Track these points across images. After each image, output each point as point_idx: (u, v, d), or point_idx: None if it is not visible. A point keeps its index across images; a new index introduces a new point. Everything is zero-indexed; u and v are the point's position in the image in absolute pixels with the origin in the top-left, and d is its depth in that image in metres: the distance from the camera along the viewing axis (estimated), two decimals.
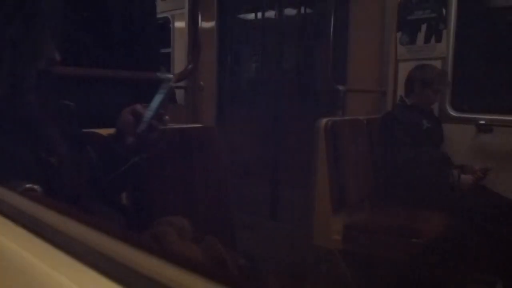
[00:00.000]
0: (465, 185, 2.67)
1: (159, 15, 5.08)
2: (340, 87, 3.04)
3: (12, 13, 1.06)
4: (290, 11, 4.25)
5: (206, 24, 4.20)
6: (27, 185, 0.80)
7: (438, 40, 3.19)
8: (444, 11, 3.16)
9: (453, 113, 3.14)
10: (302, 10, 4.19)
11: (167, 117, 1.31)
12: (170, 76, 1.93)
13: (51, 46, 1.13)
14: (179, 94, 4.60)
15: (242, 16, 4.70)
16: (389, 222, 2.57)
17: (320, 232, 2.65)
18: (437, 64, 3.09)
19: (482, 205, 2.60)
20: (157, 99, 1.28)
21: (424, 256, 2.30)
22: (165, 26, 4.96)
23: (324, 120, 2.64)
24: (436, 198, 2.64)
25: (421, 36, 3.26)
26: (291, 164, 4.02)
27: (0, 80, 1.04)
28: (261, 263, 1.44)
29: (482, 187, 2.76)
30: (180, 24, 4.90)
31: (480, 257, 2.33)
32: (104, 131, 1.50)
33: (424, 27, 3.24)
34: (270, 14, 4.33)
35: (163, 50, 5.24)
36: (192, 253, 1.20)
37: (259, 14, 4.44)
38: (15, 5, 1.07)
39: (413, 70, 2.97)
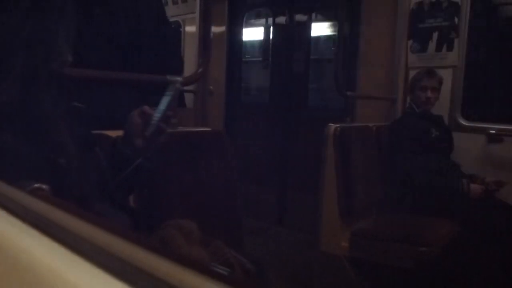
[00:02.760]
0: (475, 194, 2.65)
1: (171, 19, 5.12)
2: (350, 94, 3.04)
3: (26, 14, 1.07)
4: (300, 17, 4.25)
5: (216, 29, 4.22)
6: (36, 185, 0.80)
7: (450, 48, 3.18)
8: (456, 19, 3.15)
9: (463, 122, 3.13)
10: (313, 16, 4.19)
11: (176, 120, 1.31)
12: (179, 79, 1.93)
13: (64, 48, 1.13)
14: (188, 98, 4.63)
15: (252, 21, 4.71)
16: (396, 230, 2.56)
17: (327, 238, 2.64)
18: (448, 73, 3.09)
19: (490, 215, 2.58)
20: (165, 101, 1.28)
21: (431, 265, 2.28)
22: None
23: (333, 127, 2.63)
24: (444, 207, 2.63)
25: (432, 45, 3.25)
26: (299, 170, 4.01)
27: (13, 81, 1.04)
28: (268, 269, 1.43)
29: (491, 196, 2.74)
30: (190, 28, 4.92)
31: (489, 267, 2.31)
32: (113, 133, 1.51)
33: (435, 35, 3.23)
34: (281, 20, 4.33)
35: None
36: (199, 256, 1.20)
37: (270, 20, 4.44)
38: (29, 6, 1.07)
39: (412, 77, 3.04)
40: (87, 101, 1.27)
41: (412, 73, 3.25)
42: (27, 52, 1.05)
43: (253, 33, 4.72)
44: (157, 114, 1.26)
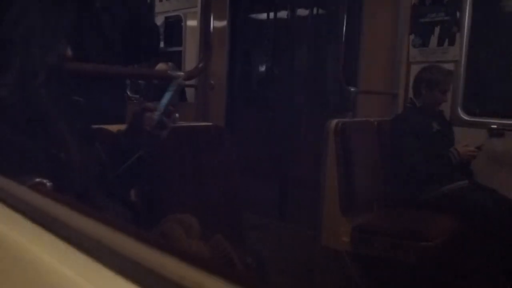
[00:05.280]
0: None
1: (171, 13, 5.12)
2: (351, 89, 3.03)
3: (25, 9, 1.06)
4: (302, 12, 4.23)
5: (217, 23, 4.21)
6: (37, 179, 0.80)
7: (451, 43, 3.17)
8: (457, 14, 3.14)
9: (464, 116, 3.12)
10: (315, 11, 4.17)
11: (177, 114, 1.31)
12: (181, 73, 1.93)
13: (63, 42, 1.13)
14: (190, 92, 4.62)
15: (254, 15, 4.70)
16: (397, 225, 2.56)
17: (329, 233, 2.64)
18: (450, 67, 3.07)
19: (492, 209, 2.58)
20: (167, 97, 1.28)
21: (433, 259, 2.28)
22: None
23: (334, 121, 2.63)
24: (445, 201, 2.63)
25: (434, 39, 3.24)
26: (301, 165, 4.01)
27: (12, 76, 1.04)
28: (269, 263, 1.44)
29: (492, 190, 2.74)
30: (192, 22, 4.91)
31: (490, 261, 2.31)
32: (114, 127, 1.51)
33: (437, 30, 3.22)
34: (282, 14, 4.32)
35: (174, 48, 5.28)
36: (199, 250, 1.20)
37: (271, 14, 4.43)
38: (28, 1, 1.07)
39: (420, 72, 2.98)
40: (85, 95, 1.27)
41: (414, 68, 3.24)
42: (26, 47, 1.05)
43: (254, 27, 4.71)
44: (159, 109, 1.26)
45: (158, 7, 4.41)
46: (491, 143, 2.97)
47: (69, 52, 1.15)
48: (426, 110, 2.91)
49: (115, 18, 2.10)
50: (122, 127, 1.37)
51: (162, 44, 5.47)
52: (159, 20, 5.17)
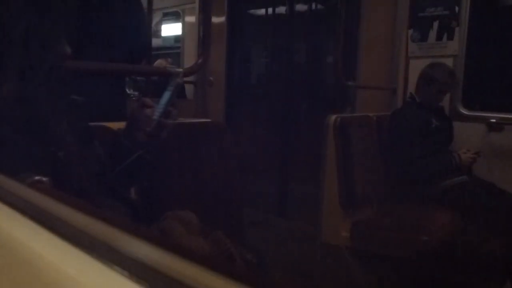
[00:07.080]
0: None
1: (170, 9, 5.11)
2: (350, 84, 3.03)
3: (24, 7, 1.06)
4: (301, 7, 4.23)
5: (216, 19, 4.20)
6: (36, 177, 0.80)
7: (450, 37, 3.17)
8: (456, 8, 3.13)
9: (464, 111, 3.12)
10: (313, 6, 4.17)
11: (176, 111, 1.31)
12: (180, 70, 1.93)
13: (63, 41, 1.13)
14: (189, 89, 4.62)
15: (252, 11, 4.69)
16: (397, 220, 2.56)
17: (328, 229, 2.64)
18: (449, 62, 3.07)
19: (491, 204, 2.58)
20: (167, 96, 1.28)
21: (433, 255, 2.29)
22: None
23: (333, 117, 2.63)
24: (445, 196, 2.63)
25: (433, 34, 3.23)
26: (300, 161, 4.01)
27: (11, 75, 1.04)
28: (269, 259, 1.44)
29: (491, 185, 2.75)
30: (190, 18, 4.90)
31: (489, 256, 2.32)
32: (114, 125, 1.51)
33: (436, 24, 3.22)
34: (281, 9, 4.31)
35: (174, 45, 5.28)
36: (199, 247, 1.20)
37: (270, 9, 4.42)
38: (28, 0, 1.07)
39: (424, 68, 2.97)
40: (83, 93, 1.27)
41: (413, 63, 3.24)
42: (26, 45, 1.05)
43: (253, 23, 4.70)
44: (158, 109, 1.26)
45: (157, 3, 4.39)
46: (490, 137, 2.97)
47: (68, 50, 1.15)
48: (425, 105, 2.90)
49: (111, 17, 2.10)
50: (123, 125, 1.37)
51: (161, 42, 5.48)
52: (158, 16, 5.17)
